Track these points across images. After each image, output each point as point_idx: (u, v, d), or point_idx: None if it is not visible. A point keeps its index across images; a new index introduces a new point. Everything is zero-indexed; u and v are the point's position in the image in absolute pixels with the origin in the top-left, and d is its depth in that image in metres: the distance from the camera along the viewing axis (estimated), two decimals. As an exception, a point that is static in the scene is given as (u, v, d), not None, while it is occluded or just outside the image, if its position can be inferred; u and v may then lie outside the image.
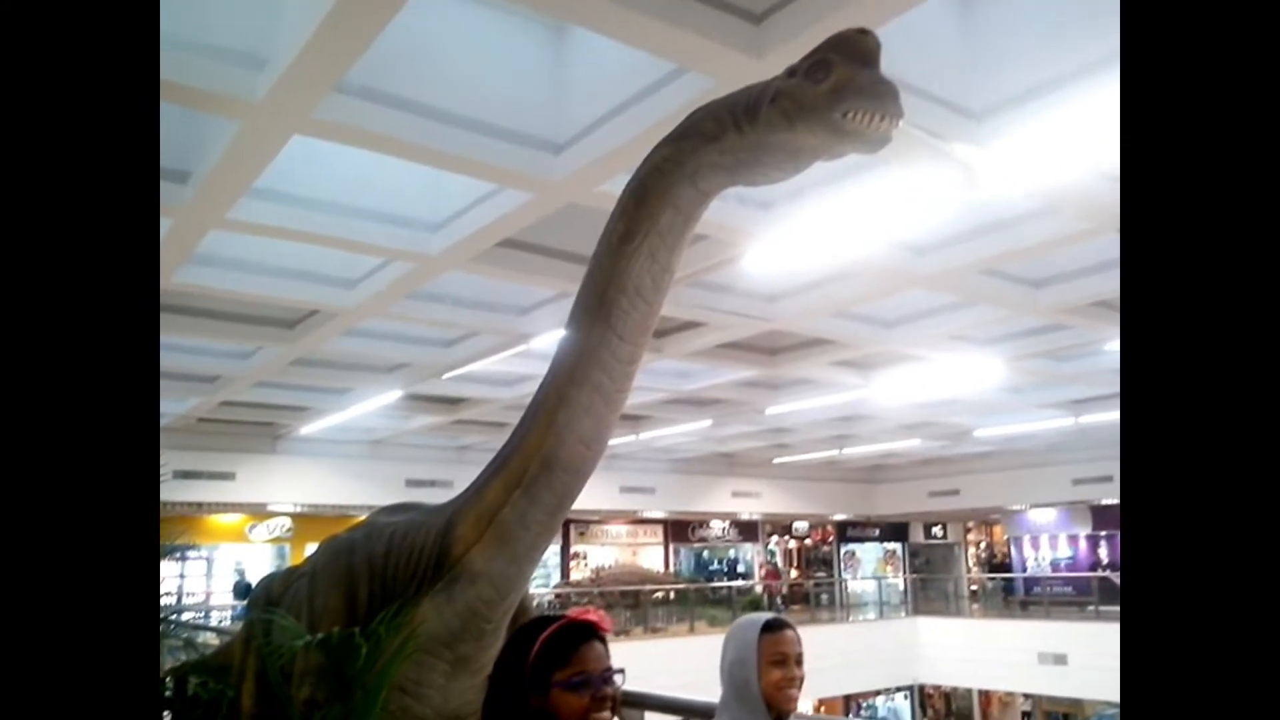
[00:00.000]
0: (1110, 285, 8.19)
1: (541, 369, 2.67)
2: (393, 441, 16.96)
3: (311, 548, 3.19)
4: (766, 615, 2.10)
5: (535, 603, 15.87)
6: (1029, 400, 14.44)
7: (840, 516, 26.06)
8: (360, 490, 16.52)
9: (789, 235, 6.73)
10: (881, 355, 11.43)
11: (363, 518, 3.24)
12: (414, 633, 2.62)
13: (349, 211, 6.43)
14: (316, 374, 11.52)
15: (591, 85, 5.41)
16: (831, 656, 18.13)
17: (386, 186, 6.46)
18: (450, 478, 15.86)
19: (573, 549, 22.81)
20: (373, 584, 2.85)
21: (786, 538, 26.82)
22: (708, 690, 2.36)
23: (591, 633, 1.62)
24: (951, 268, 7.57)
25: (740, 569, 25.36)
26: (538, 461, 2.56)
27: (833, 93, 2.08)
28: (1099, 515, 24.09)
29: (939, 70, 5.23)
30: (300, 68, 4.20)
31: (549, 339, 8.89)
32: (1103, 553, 24.37)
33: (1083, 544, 24.98)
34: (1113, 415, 15.02)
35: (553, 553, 22.16)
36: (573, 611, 1.66)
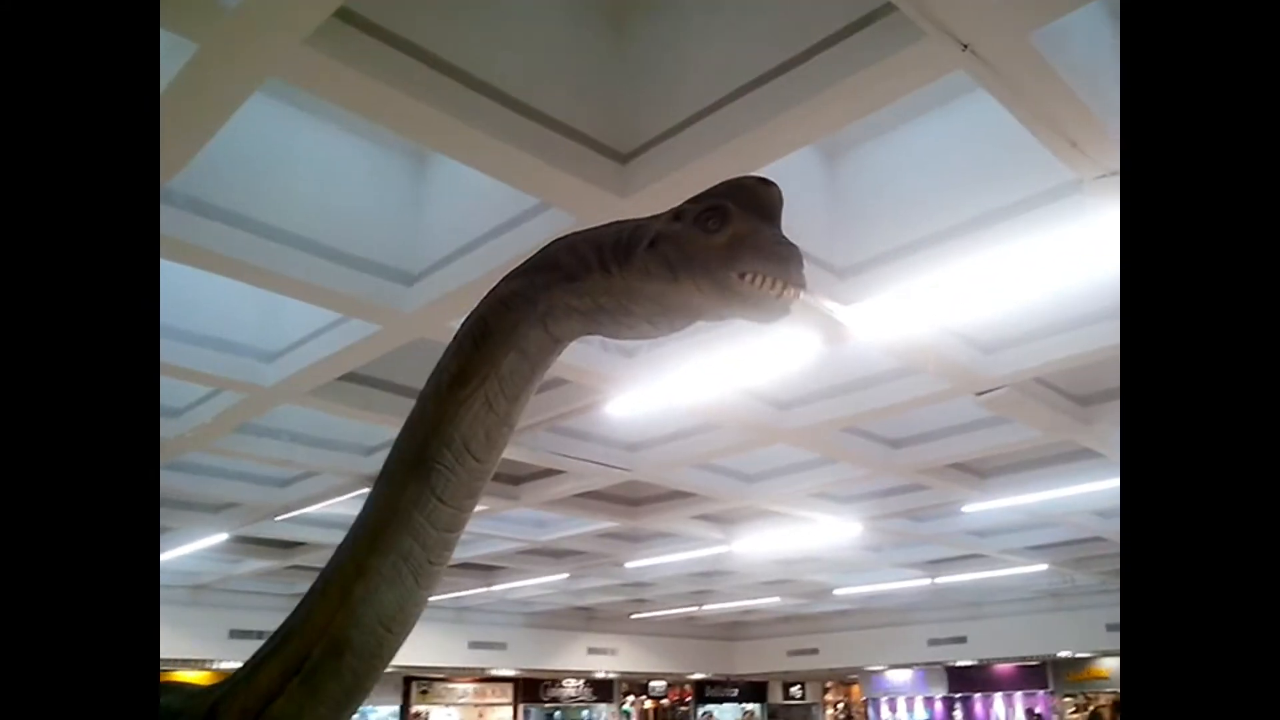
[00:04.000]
0: (967, 447, 8.28)
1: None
2: (217, 587, 15.47)
3: None
4: None
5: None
6: (887, 559, 14.45)
7: (698, 675, 25.24)
8: (178, 643, 14.89)
9: (652, 383, 6.51)
10: (743, 510, 11.22)
11: (174, 676, 2.60)
12: None
13: (172, 334, 5.83)
14: (132, 512, 10.38)
15: (450, 215, 5.13)
16: (686, 831, 17.08)
17: (217, 309, 5.93)
18: (280, 630, 14.48)
19: (413, 708, 21.11)
20: None
21: (643, 697, 25.71)
22: None
23: None
24: (813, 424, 7.49)
25: (594, 732, 24.03)
26: (324, 643, 2.04)
27: (728, 247, 1.77)
28: (954, 676, 24.15)
29: (804, 224, 5.20)
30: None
31: (395, 482, 8.27)
32: (958, 716, 24.32)
33: (938, 706, 24.90)
34: (967, 576, 15.18)
35: (390, 713, 20.45)
36: None
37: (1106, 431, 7.73)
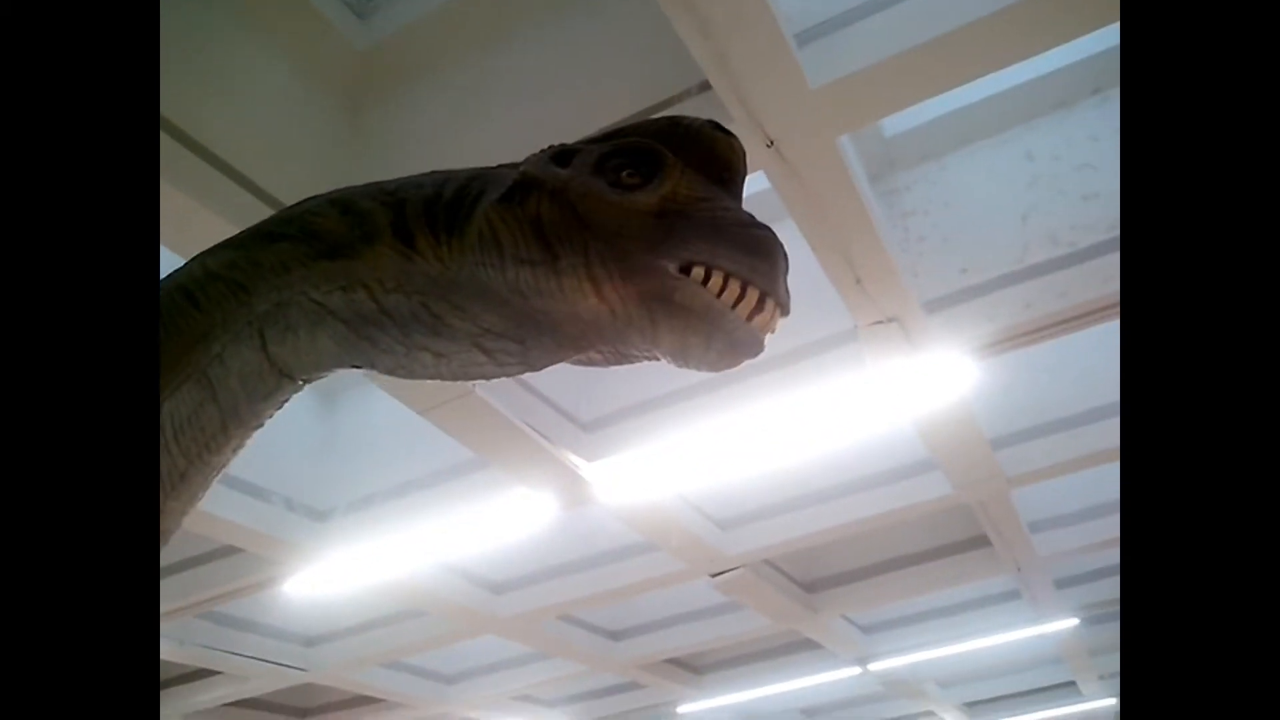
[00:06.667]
0: (690, 639, 7.71)
1: None
2: None
3: None
4: None
5: None
6: (585, 772, 13.28)
7: None
8: None
9: (346, 555, 5.36)
10: (436, 719, 9.78)
11: None
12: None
13: None
14: None
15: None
16: None
17: None
18: None
19: None
20: None
21: None
22: None
23: None
24: (530, 610, 6.57)
25: None
26: None
27: (660, 216, 1.02)
28: None
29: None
30: None
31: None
32: None
33: None
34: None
35: None
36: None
37: (829, 621, 7.50)
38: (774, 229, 1.08)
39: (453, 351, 1.12)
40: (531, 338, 1.10)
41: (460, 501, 5.03)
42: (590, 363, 1.16)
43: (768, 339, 1.07)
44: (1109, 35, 3.09)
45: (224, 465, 1.19)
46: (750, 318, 1.03)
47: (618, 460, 4.65)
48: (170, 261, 3.25)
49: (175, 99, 2.83)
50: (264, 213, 2.98)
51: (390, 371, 1.17)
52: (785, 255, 1.04)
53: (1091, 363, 4.91)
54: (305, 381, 1.20)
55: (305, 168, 3.34)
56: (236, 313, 1.13)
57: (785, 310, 1.05)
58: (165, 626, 6.01)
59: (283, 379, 1.17)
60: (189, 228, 2.94)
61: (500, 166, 1.15)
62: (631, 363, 1.15)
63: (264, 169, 3.09)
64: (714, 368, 1.06)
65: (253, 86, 3.23)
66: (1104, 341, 4.64)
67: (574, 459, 4.51)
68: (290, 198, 3.11)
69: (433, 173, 1.17)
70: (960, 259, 4.09)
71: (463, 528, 5.19)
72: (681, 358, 1.06)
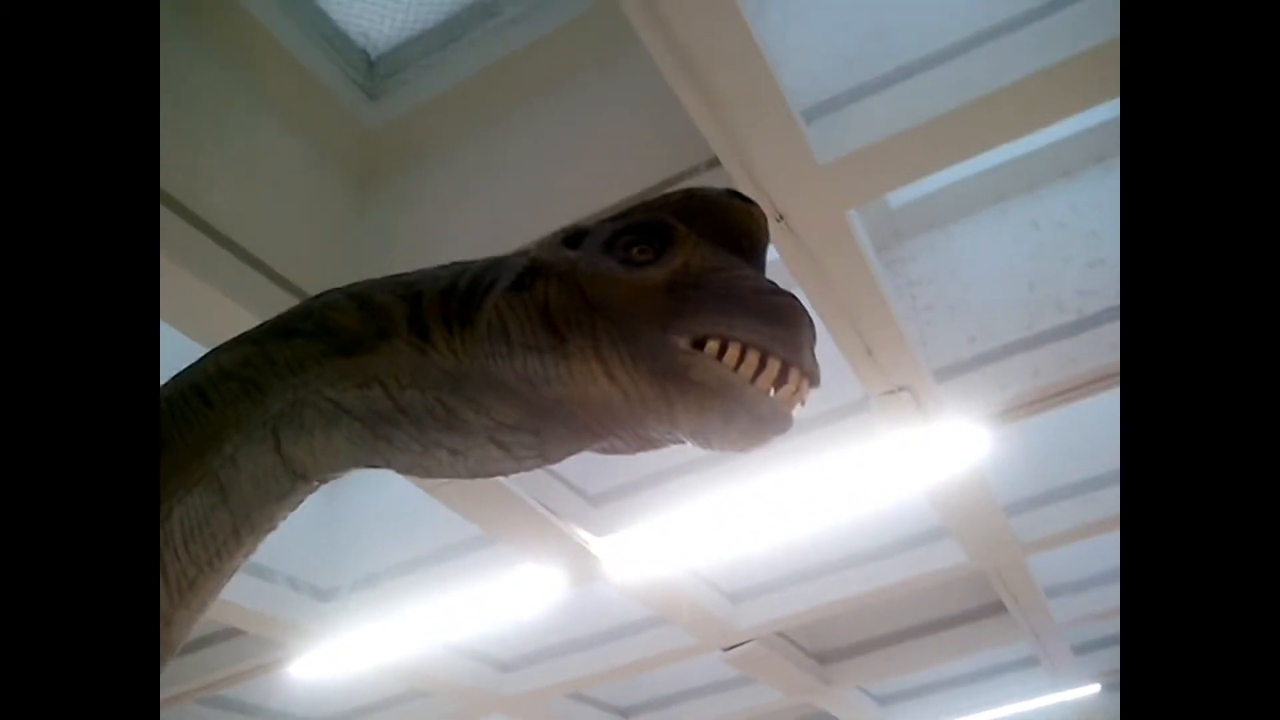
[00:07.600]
0: (699, 715, 7.52)
1: None
2: None
3: None
4: None
5: None
6: None
7: None
8: None
9: (351, 636, 5.25)
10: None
11: None
12: None
13: None
14: None
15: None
16: None
17: None
18: None
19: None
20: None
21: None
22: None
23: None
24: (540, 688, 6.42)
25: None
26: None
27: (672, 292, 0.99)
28: None
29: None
30: None
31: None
32: None
33: None
34: None
35: None
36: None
37: (844, 693, 7.32)
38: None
39: (468, 448, 1.08)
40: (547, 429, 1.06)
41: (467, 578, 4.95)
42: (614, 450, 1.12)
43: (796, 412, 1.01)
44: (1111, 107, 3.12)
45: (234, 571, 1.15)
46: (775, 390, 0.97)
47: (627, 535, 4.58)
48: (173, 339, 3.25)
49: (183, 175, 2.84)
50: (271, 290, 2.99)
51: (408, 471, 1.14)
52: (810, 322, 0.98)
53: (1105, 426, 4.87)
54: (320, 483, 1.17)
55: (313, 245, 3.35)
56: (251, 413, 1.09)
57: (814, 380, 0.98)
58: (163, 714, 5.86)
59: (297, 480, 1.13)
60: (195, 306, 2.93)
61: (517, 253, 1.13)
62: (656, 448, 1.11)
63: (271, 246, 3.08)
64: (739, 447, 1.00)
65: (262, 164, 3.25)
66: (1117, 406, 4.61)
67: (582, 534, 4.44)
68: (297, 275, 3.11)
69: (452, 264, 1.15)
70: (968, 327, 4.08)
71: (470, 605, 5.09)
72: (703, 439, 1.01)
